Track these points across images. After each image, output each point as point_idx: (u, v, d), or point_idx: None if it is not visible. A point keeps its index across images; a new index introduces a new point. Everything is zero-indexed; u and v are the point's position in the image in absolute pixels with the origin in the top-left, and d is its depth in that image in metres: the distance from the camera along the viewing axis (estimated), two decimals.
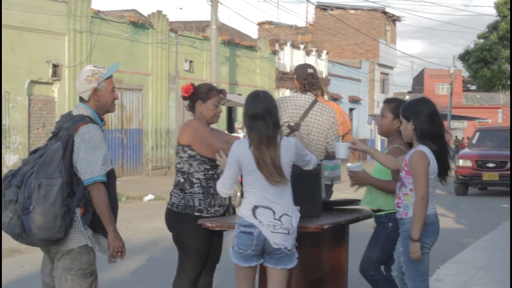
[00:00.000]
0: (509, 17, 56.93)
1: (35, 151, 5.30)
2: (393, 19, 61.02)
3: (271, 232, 5.42)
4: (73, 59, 25.36)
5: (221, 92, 6.53)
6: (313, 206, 6.20)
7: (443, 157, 5.88)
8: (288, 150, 5.52)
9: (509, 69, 57.37)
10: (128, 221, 14.89)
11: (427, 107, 5.92)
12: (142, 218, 15.42)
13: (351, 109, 49.55)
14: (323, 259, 6.62)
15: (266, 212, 5.42)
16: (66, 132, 5.19)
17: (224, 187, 5.62)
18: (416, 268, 5.87)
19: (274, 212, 5.43)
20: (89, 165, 5.07)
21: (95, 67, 5.40)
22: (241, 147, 5.51)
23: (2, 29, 22.49)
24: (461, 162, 23.91)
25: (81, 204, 5.10)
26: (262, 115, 5.47)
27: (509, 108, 52.74)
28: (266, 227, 5.41)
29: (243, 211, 5.47)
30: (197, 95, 6.38)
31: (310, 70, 7.42)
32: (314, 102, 7.20)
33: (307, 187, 6.15)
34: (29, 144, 23.42)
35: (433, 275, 9.15)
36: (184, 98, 6.44)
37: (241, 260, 5.44)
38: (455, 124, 70.96)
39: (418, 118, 5.83)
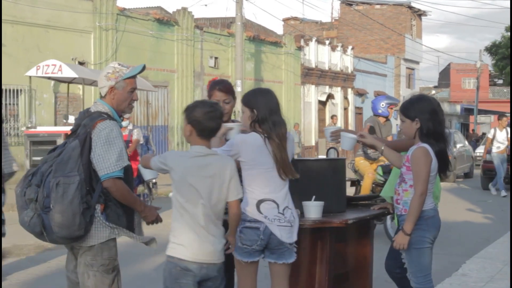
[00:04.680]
0: None
1: (54, 149, 5.32)
2: (419, 13, 60.72)
3: (277, 226, 5.40)
4: (99, 56, 25.49)
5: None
6: (338, 200, 6.19)
7: (444, 155, 5.85)
8: (290, 145, 5.54)
9: None
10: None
11: (429, 105, 5.86)
12: (169, 214, 15.42)
13: None
14: (348, 254, 6.59)
15: (270, 205, 5.39)
16: (84, 129, 5.20)
17: None
18: (418, 264, 5.83)
19: (278, 205, 5.42)
20: (104, 161, 5.06)
21: (119, 65, 5.37)
22: (256, 141, 5.40)
23: (28, 26, 22.65)
24: (487, 157, 23.75)
25: (101, 200, 5.10)
26: (278, 111, 5.49)
27: None
28: (271, 222, 5.39)
29: (247, 207, 5.38)
30: (208, 92, 6.27)
31: None
32: None
33: (331, 181, 6.14)
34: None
35: (459, 270, 9.12)
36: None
37: (244, 256, 5.38)
38: (481, 118, 70.57)
39: (422, 116, 5.78)
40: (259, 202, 5.39)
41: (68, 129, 13.42)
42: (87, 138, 5.12)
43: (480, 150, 34.68)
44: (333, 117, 32.87)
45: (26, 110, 22.85)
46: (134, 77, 5.38)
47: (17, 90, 22.45)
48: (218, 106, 5.12)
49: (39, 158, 13.00)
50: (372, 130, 11.43)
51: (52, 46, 23.66)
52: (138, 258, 10.35)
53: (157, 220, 5.42)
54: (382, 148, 6.11)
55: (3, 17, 21.75)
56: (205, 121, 4.99)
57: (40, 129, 14.77)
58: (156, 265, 10.25)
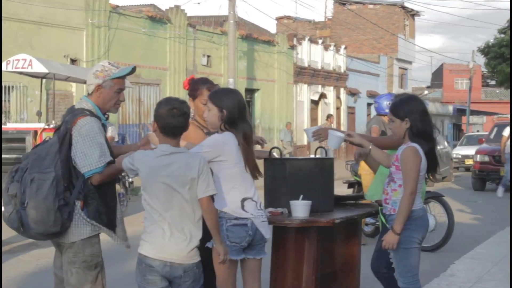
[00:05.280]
0: None
1: (36, 146, 5.34)
2: (412, 13, 60.74)
3: (262, 222, 5.45)
4: (91, 53, 25.46)
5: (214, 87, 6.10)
6: (325, 200, 6.19)
7: (433, 155, 5.87)
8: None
9: None
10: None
11: (419, 105, 5.89)
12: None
13: (369, 104, 49.40)
14: (336, 254, 6.60)
15: (252, 203, 5.42)
16: (65, 125, 5.20)
17: None
18: (406, 264, 5.85)
19: (256, 202, 5.46)
20: (87, 158, 5.07)
21: (109, 64, 5.36)
22: (234, 140, 5.38)
23: (21, 23, 22.62)
24: (478, 157, 23.83)
25: (81, 197, 5.10)
26: (245, 112, 5.49)
27: None
28: (256, 218, 5.41)
29: (231, 206, 5.37)
30: (191, 91, 6.15)
31: None
32: None
33: (319, 181, 6.15)
34: None
35: (447, 270, 9.13)
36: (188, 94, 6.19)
37: (233, 254, 5.35)
38: (474, 119, 70.67)
39: (413, 116, 5.79)
40: (243, 200, 5.40)
41: (39, 126, 13.39)
42: (67, 134, 5.12)
43: (459, 151, 34.74)
44: (329, 117, 32.70)
45: (17, 107, 22.81)
46: (122, 77, 5.36)
47: (9, 87, 22.41)
48: (183, 105, 5.05)
49: (8, 156, 12.90)
50: (383, 134, 11.20)
51: (45, 43, 23.61)
52: (130, 255, 10.31)
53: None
54: (370, 147, 6.09)
55: None
56: (167, 118, 4.96)
57: (9, 125, 14.34)
58: None
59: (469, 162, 32.19)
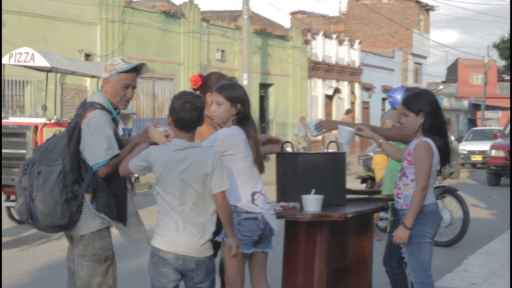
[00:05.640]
0: None
1: (48, 139, 5.36)
2: (427, 8, 60.57)
3: (271, 215, 5.45)
4: (105, 48, 25.49)
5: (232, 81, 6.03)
6: (337, 194, 6.16)
7: (446, 149, 5.84)
8: None
9: None
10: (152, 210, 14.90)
11: (432, 99, 5.86)
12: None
13: (383, 99, 49.29)
14: (348, 249, 6.58)
15: (261, 197, 5.42)
16: (75, 119, 5.22)
17: None
18: (418, 258, 5.81)
19: (264, 196, 5.46)
20: (94, 151, 5.07)
21: (121, 59, 5.38)
22: (243, 134, 5.37)
23: (35, 18, 22.67)
24: (493, 153, 23.72)
25: (90, 190, 5.11)
26: (250, 107, 5.51)
27: None
28: (267, 212, 5.41)
29: (242, 200, 5.37)
30: (206, 87, 6.02)
31: None
32: None
33: (331, 175, 6.12)
34: None
35: (461, 266, 9.10)
36: (194, 89, 6.03)
37: (245, 248, 5.33)
38: (489, 114, 70.40)
39: (427, 111, 5.76)
40: (253, 194, 5.39)
41: (40, 121, 13.23)
42: (76, 127, 5.14)
43: (464, 146, 32.01)
44: (348, 112, 32.04)
45: (32, 102, 22.87)
46: (129, 72, 5.32)
47: (23, 82, 22.46)
48: (197, 99, 5.02)
49: (8, 151, 12.69)
50: None
51: (58, 37, 23.66)
52: (142, 248, 10.33)
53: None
54: (381, 141, 6.08)
55: (9, 8, 21.79)
56: (180, 112, 4.94)
57: (11, 120, 14.09)
58: None
59: (475, 158, 31.36)
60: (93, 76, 15.94)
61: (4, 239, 11.78)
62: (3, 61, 14.61)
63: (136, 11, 27.07)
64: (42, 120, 13.07)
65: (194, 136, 5.08)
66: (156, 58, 27.59)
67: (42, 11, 23.07)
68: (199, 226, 5.00)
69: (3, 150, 12.48)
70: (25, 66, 15.01)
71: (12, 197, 12.98)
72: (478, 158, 31.02)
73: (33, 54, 14.15)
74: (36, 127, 12.56)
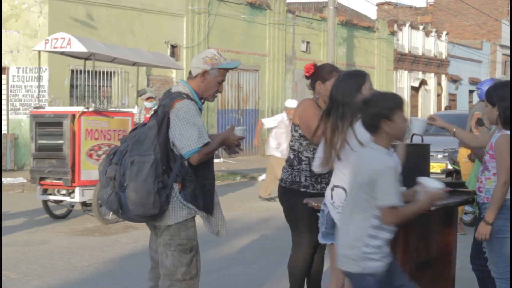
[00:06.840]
0: None
1: (135, 129, 5.40)
2: None
3: (338, 213, 5.39)
4: (191, 40, 25.70)
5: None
6: None
7: None
8: None
9: None
10: (242, 200, 15.05)
11: (510, 93, 5.72)
12: (256, 197, 15.47)
13: (471, 91, 48.52)
14: (431, 242, 6.49)
15: (340, 192, 5.40)
16: (162, 109, 5.26)
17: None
18: (499, 253, 5.69)
19: (346, 193, 5.34)
20: (185, 139, 5.11)
21: (218, 53, 5.45)
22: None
23: (122, 10, 22.99)
24: None
25: (179, 180, 5.15)
26: None
27: None
28: (334, 209, 5.41)
29: (327, 190, 5.48)
30: (317, 75, 6.29)
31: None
32: None
33: (415, 167, 6.04)
34: None
35: None
36: (306, 77, 6.36)
37: (320, 237, 5.40)
38: None
39: (502, 104, 5.64)
40: (333, 188, 5.45)
41: (77, 109, 12.79)
42: (165, 117, 5.18)
43: None
44: (447, 108, 30.92)
45: (119, 92, 23.22)
46: (227, 70, 5.44)
47: (111, 72, 22.82)
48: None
49: (44, 142, 12.46)
50: (480, 122, 10.86)
51: (145, 29, 23.96)
52: (225, 239, 10.39)
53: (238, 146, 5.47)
54: (454, 130, 6.08)
55: (98, 1, 22.16)
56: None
57: (47, 109, 13.62)
58: (241, 247, 10.29)
59: None
60: (134, 64, 15.60)
61: (87, 226, 11.97)
62: (38, 48, 14.04)
63: (222, 2, 27.21)
64: (80, 108, 12.67)
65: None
66: (241, 49, 27.70)
67: (129, 3, 23.38)
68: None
69: (39, 141, 12.38)
70: (61, 53, 14.37)
71: (49, 191, 12.63)
72: None
73: (69, 39, 13.25)
74: (73, 115, 12.11)
